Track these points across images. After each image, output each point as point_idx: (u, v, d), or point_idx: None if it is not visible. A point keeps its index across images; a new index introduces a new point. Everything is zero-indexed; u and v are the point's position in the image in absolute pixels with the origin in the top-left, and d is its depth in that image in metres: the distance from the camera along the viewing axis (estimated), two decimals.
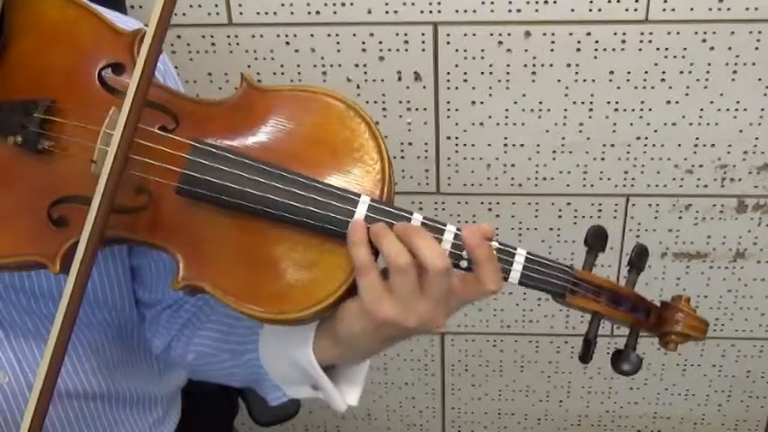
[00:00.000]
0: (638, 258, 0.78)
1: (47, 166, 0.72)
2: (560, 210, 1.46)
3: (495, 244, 0.71)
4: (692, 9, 1.25)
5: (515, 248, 0.72)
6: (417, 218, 0.70)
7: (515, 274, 0.72)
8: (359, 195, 0.70)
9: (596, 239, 0.77)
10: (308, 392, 0.82)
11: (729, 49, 1.28)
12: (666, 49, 1.29)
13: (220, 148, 0.71)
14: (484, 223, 0.72)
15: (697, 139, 1.37)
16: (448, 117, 1.38)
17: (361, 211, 0.69)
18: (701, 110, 1.34)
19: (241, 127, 0.74)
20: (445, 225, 0.71)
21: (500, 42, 1.29)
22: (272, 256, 0.71)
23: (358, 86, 1.35)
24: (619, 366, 0.77)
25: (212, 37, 1.32)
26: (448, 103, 1.36)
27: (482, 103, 1.36)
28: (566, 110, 1.36)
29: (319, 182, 0.70)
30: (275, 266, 0.71)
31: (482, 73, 1.33)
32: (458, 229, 0.71)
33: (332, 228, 0.70)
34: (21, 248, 0.71)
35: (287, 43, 1.32)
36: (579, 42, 1.29)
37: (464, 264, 0.71)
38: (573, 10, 1.26)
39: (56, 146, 0.72)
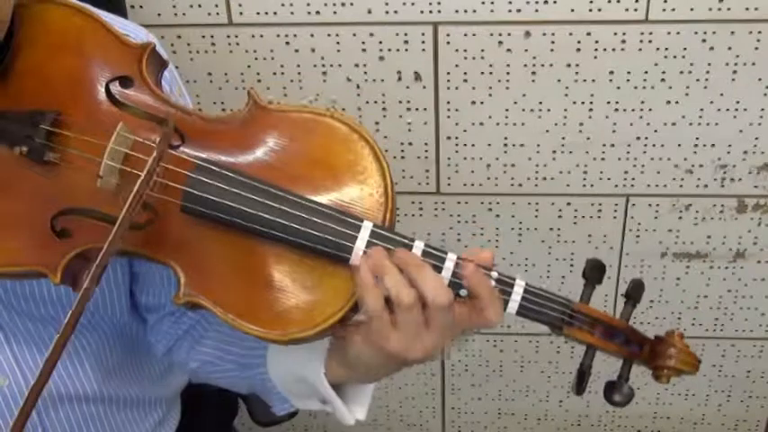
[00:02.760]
0: (635, 292, 0.79)
1: (52, 177, 0.72)
2: (560, 210, 1.46)
3: (494, 273, 0.71)
4: (692, 9, 1.25)
5: (514, 279, 0.72)
6: (419, 245, 0.70)
7: (513, 305, 0.73)
8: (361, 221, 0.70)
9: (594, 272, 0.78)
10: (316, 405, 0.83)
11: (729, 49, 1.28)
12: (666, 49, 1.28)
13: (223, 167, 0.71)
14: (485, 250, 0.72)
15: (697, 139, 1.37)
16: (448, 117, 1.37)
17: (363, 236, 0.69)
18: (701, 110, 1.34)
19: (245, 146, 0.73)
20: (446, 254, 0.71)
21: (500, 42, 1.29)
22: (274, 277, 0.71)
23: (358, 86, 1.35)
24: (610, 397, 0.78)
25: (212, 37, 1.32)
26: (448, 103, 1.36)
27: (482, 103, 1.36)
28: (566, 110, 1.35)
29: (322, 205, 0.70)
30: (276, 287, 0.71)
31: (482, 73, 1.33)
32: (458, 257, 0.71)
33: (333, 252, 0.69)
34: (23, 258, 0.71)
35: (287, 43, 1.32)
36: (579, 42, 1.29)
37: (464, 292, 0.71)
38: (573, 10, 1.26)
39: (61, 158, 0.71)
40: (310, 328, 0.70)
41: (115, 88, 0.74)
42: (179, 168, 0.71)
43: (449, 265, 0.70)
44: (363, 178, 0.72)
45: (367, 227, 0.69)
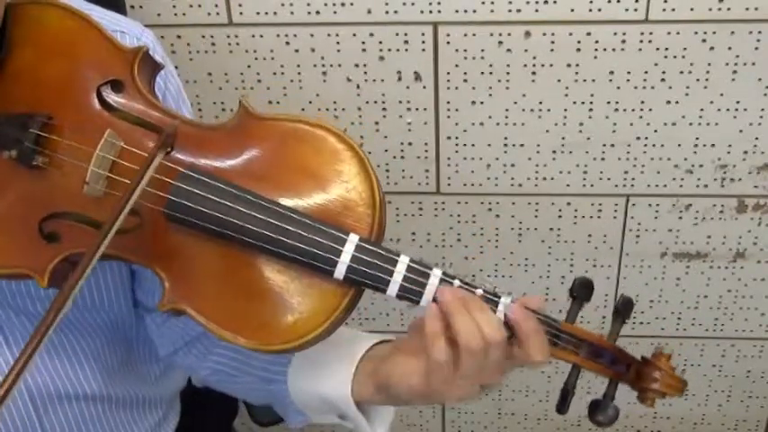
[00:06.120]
0: (624, 309, 0.78)
1: (40, 181, 0.71)
2: (560, 210, 1.46)
3: (479, 291, 0.71)
4: (692, 9, 1.25)
5: (500, 297, 0.72)
6: (404, 260, 0.70)
7: None
8: (347, 233, 0.69)
9: (582, 290, 0.77)
10: (333, 420, 0.83)
11: (729, 49, 1.28)
12: (666, 49, 1.28)
13: (209, 176, 0.70)
14: (535, 296, 0.73)
15: (697, 139, 1.37)
16: (448, 117, 1.37)
17: (348, 249, 0.69)
18: (701, 110, 1.34)
19: (233, 154, 0.73)
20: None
21: (500, 42, 1.29)
22: (258, 287, 0.71)
23: (358, 86, 1.35)
24: (594, 417, 0.78)
25: (212, 37, 1.32)
26: (448, 103, 1.36)
27: (482, 103, 1.36)
28: (566, 110, 1.35)
29: (307, 216, 0.70)
30: (260, 297, 0.71)
31: (482, 73, 1.33)
32: (444, 274, 0.71)
33: (318, 264, 0.69)
34: (11, 260, 0.71)
35: (287, 43, 1.32)
36: (579, 42, 1.28)
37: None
38: (573, 10, 1.26)
39: (50, 163, 0.71)
40: (293, 340, 0.70)
41: (106, 92, 0.74)
42: (164, 176, 0.70)
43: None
44: (350, 190, 0.71)
45: (353, 240, 0.69)
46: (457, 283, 0.71)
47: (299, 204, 0.71)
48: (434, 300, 0.70)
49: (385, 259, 0.69)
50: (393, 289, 0.70)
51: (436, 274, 0.70)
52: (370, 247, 0.69)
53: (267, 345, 0.70)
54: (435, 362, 0.70)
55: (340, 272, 0.69)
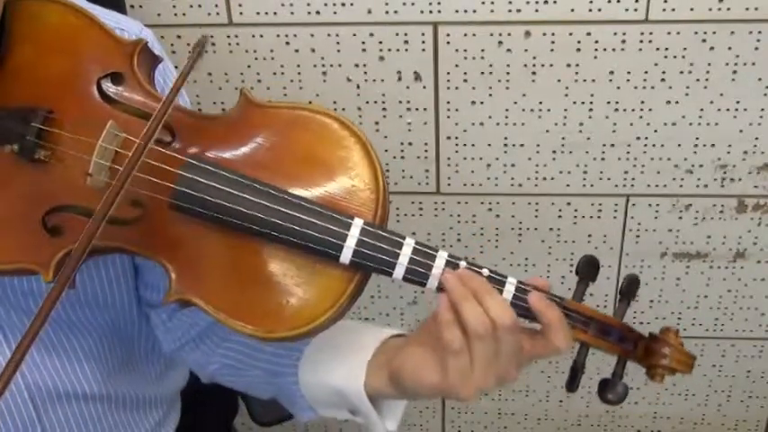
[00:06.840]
0: (629, 288, 0.78)
1: (42, 174, 0.71)
2: (560, 210, 1.46)
3: (485, 271, 0.72)
4: (692, 9, 1.25)
5: (506, 277, 0.72)
6: (410, 242, 0.70)
7: None
8: (352, 218, 0.69)
9: (588, 269, 0.77)
10: (344, 415, 0.83)
11: (729, 49, 1.28)
12: (666, 49, 1.29)
13: (213, 165, 0.70)
14: (538, 278, 0.73)
15: (697, 139, 1.37)
16: (448, 117, 1.37)
17: (353, 234, 0.69)
18: (701, 110, 1.34)
19: (236, 143, 0.73)
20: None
21: (500, 42, 1.29)
22: (264, 275, 0.71)
23: (358, 86, 1.35)
24: (604, 395, 0.78)
25: (212, 37, 1.32)
26: (448, 103, 1.36)
27: (482, 103, 1.36)
28: (566, 110, 1.36)
29: (312, 202, 0.70)
30: (267, 285, 0.71)
31: (482, 73, 1.33)
32: (450, 256, 0.71)
33: (324, 250, 0.69)
34: (15, 256, 0.71)
35: (287, 43, 1.32)
36: (579, 42, 1.29)
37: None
38: (573, 10, 1.26)
39: (52, 156, 0.71)
40: (300, 326, 0.70)
41: (106, 85, 0.74)
42: (168, 165, 0.70)
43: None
44: (354, 175, 0.71)
45: (357, 224, 0.69)
46: (463, 264, 0.71)
47: (303, 191, 0.71)
48: (441, 288, 0.71)
49: (390, 242, 0.70)
50: (399, 271, 0.70)
51: (442, 256, 0.71)
52: (376, 231, 0.69)
53: (274, 332, 0.70)
54: (449, 351, 0.70)
55: (346, 256, 0.69)
